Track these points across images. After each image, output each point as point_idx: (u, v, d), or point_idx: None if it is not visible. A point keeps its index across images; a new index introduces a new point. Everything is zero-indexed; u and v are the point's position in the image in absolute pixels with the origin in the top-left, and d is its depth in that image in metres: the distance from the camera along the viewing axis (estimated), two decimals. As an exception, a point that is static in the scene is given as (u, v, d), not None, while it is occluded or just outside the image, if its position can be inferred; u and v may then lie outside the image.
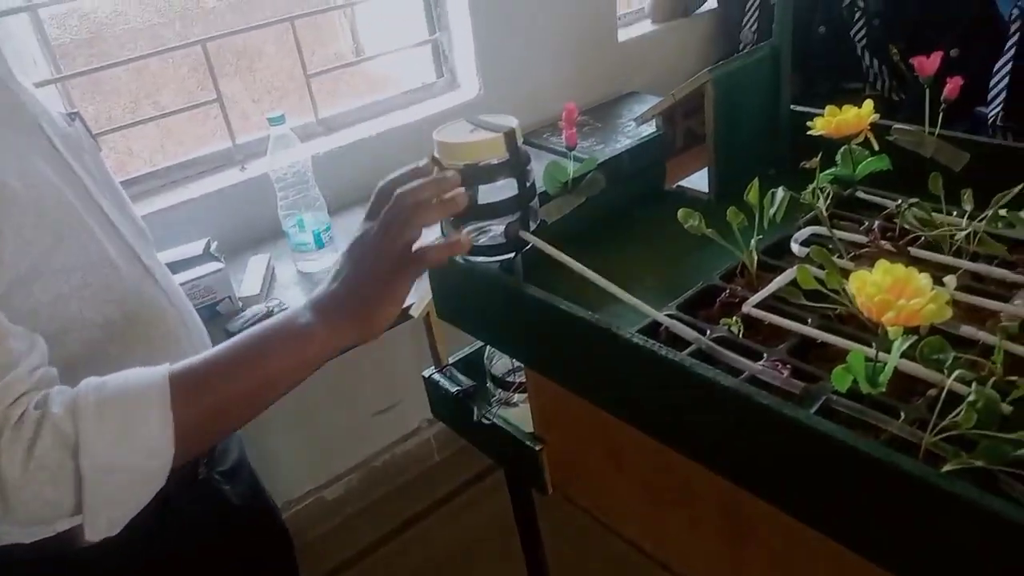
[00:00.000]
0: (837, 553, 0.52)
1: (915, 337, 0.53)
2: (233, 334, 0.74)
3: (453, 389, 0.94)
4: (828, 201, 0.76)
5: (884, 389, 0.54)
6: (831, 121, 0.74)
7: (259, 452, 1.50)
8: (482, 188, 0.69)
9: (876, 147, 0.77)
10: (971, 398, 0.48)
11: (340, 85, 2.04)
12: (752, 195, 0.74)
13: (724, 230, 0.73)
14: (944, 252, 0.72)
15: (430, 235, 0.70)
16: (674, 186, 1.03)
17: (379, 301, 0.67)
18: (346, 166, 1.75)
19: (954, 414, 0.49)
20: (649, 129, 1.01)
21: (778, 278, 0.72)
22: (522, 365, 0.84)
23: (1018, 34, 1.68)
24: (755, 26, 2.22)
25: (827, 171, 0.78)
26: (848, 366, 0.54)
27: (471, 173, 0.69)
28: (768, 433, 0.53)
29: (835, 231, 0.76)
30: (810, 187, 0.77)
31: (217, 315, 1.37)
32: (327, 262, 1.52)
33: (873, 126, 0.74)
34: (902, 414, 0.55)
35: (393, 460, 2.19)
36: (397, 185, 0.67)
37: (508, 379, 0.89)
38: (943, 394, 0.51)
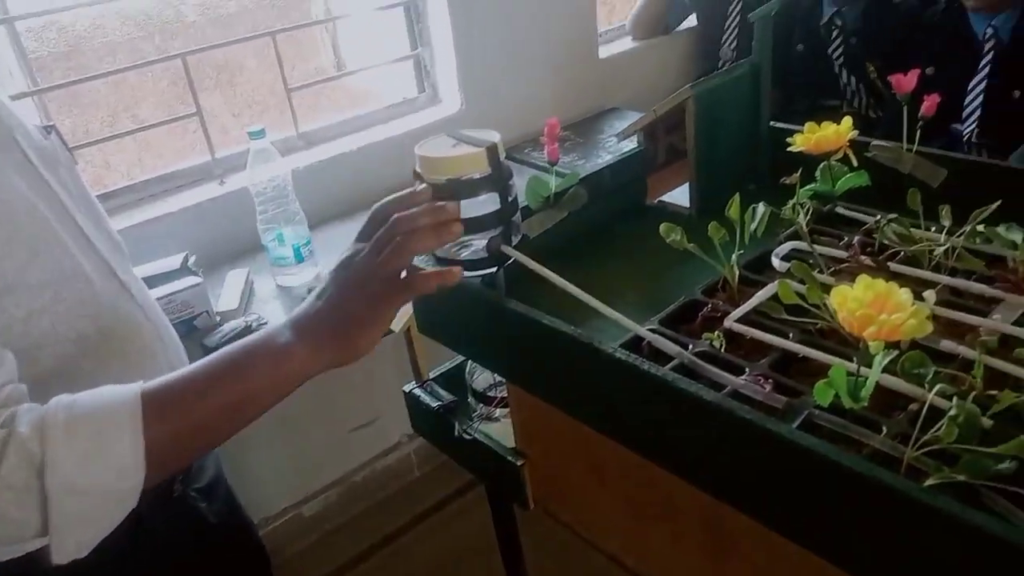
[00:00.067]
0: (820, 568, 0.52)
1: (896, 352, 0.53)
2: (211, 349, 0.73)
3: (434, 404, 0.94)
4: (808, 216, 0.76)
5: (866, 403, 0.54)
6: (811, 137, 0.75)
7: (236, 468, 1.49)
8: (464, 203, 0.69)
9: (855, 163, 0.78)
10: (952, 412, 0.48)
11: (321, 100, 2.04)
12: (733, 210, 0.74)
13: (705, 245, 0.73)
14: (923, 267, 0.73)
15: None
16: (656, 201, 1.03)
17: (362, 324, 0.66)
18: (327, 180, 1.75)
19: (935, 428, 0.49)
20: (630, 144, 1.01)
21: (759, 293, 0.72)
22: (504, 380, 0.84)
23: (991, 53, 1.72)
24: (735, 44, 2.24)
25: (807, 187, 0.79)
26: (830, 380, 0.54)
27: (453, 187, 0.68)
28: (750, 448, 0.53)
29: (815, 246, 0.76)
30: (790, 202, 0.77)
31: (194, 330, 1.35)
32: (307, 276, 1.51)
33: (852, 142, 0.75)
34: (884, 428, 0.55)
35: (373, 475, 2.17)
36: (394, 208, 0.67)
37: (490, 394, 0.89)
38: (924, 409, 0.51)
